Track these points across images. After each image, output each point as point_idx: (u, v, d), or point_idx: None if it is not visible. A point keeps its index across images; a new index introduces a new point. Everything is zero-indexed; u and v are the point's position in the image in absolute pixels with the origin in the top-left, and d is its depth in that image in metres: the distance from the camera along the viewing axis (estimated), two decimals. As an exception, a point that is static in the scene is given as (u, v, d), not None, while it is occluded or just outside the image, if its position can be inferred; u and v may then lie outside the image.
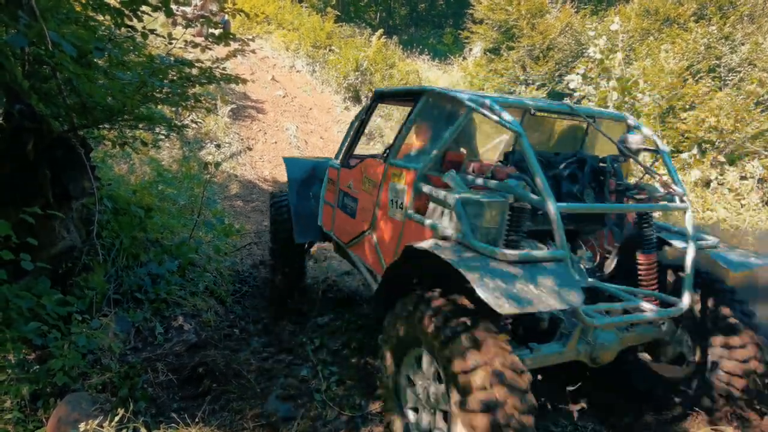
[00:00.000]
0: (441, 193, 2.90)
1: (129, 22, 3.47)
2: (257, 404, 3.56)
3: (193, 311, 4.68)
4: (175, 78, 4.51)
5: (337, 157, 4.83)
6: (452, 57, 22.82)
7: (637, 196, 3.31)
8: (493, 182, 2.88)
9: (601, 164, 3.43)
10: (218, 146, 11.17)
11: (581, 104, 6.75)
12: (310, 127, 16.60)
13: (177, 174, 9.09)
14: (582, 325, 2.76)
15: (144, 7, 3.43)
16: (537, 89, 15.53)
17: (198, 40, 4.84)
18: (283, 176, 13.09)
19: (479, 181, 2.97)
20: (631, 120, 3.73)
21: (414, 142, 3.71)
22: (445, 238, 2.76)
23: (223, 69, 4.76)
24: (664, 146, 3.42)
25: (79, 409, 3.04)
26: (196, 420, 3.24)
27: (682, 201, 3.19)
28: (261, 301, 5.69)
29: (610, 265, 3.53)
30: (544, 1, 16.58)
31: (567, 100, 7.15)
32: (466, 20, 20.25)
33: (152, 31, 3.67)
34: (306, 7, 27.00)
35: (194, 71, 4.58)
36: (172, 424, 3.17)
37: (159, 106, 4.77)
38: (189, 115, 13.97)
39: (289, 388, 3.82)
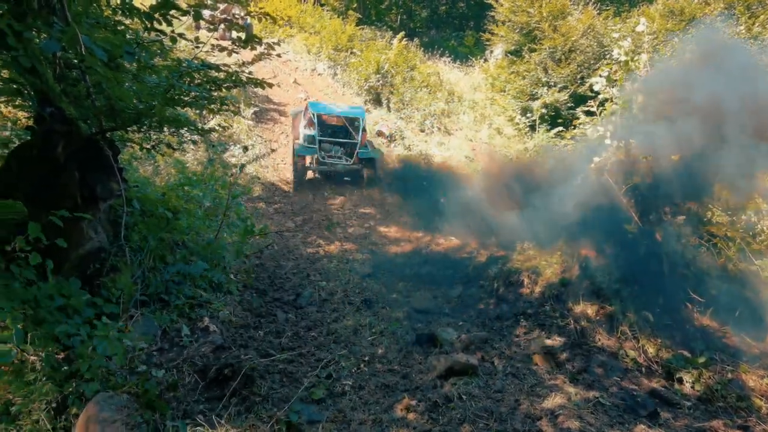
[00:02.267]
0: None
1: (158, 26, 3.50)
2: (282, 406, 3.55)
3: (217, 313, 4.70)
4: (201, 81, 4.54)
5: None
6: (473, 59, 22.68)
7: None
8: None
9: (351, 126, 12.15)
10: (245, 149, 11.27)
11: (605, 107, 6.63)
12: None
13: (202, 176, 9.17)
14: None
15: (173, 11, 3.45)
16: (559, 91, 15.31)
17: (224, 43, 4.87)
18: (303, 179, 13.16)
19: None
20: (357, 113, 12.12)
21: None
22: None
23: (249, 73, 4.78)
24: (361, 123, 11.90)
25: (108, 409, 3.06)
26: (222, 422, 3.24)
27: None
28: (285, 306, 5.69)
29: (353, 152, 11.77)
30: (566, 2, 16.31)
31: (591, 103, 7.03)
32: (487, 22, 20.08)
33: (181, 35, 3.70)
34: (327, 10, 27.11)
35: (220, 75, 4.60)
36: (198, 427, 3.17)
37: (185, 109, 4.79)
38: (212, 118, 14.18)
39: (314, 391, 3.80)
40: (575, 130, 7.42)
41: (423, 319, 5.60)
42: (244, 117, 14.94)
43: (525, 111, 16.33)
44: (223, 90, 4.95)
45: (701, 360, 4.49)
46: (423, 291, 6.45)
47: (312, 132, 11.79)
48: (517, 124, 16.28)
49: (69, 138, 4.18)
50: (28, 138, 4.53)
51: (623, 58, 6.59)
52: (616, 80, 6.61)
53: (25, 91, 3.75)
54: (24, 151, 4.34)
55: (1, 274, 3.70)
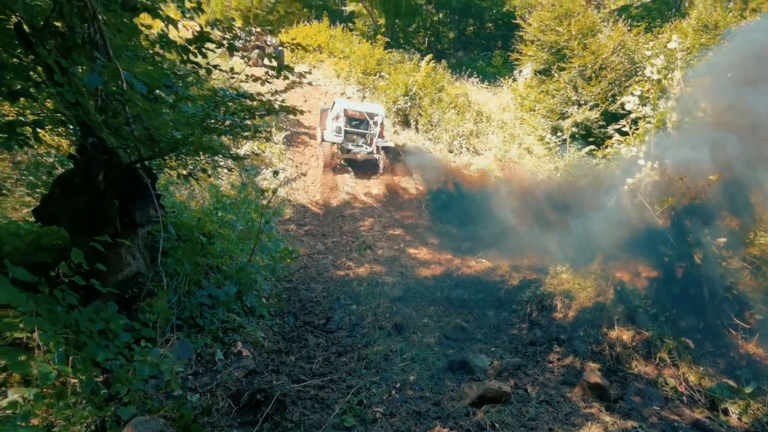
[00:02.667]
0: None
1: (194, 59, 3.63)
2: (313, 433, 3.53)
3: (250, 337, 4.74)
4: (236, 110, 4.68)
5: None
6: (501, 79, 22.67)
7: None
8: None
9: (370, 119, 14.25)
10: (276, 173, 11.59)
11: (638, 125, 6.49)
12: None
13: (235, 200, 9.38)
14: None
15: (208, 44, 3.57)
16: (590, 110, 15.12)
17: (257, 72, 4.99)
18: (332, 200, 13.30)
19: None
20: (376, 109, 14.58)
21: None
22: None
23: (282, 101, 4.89)
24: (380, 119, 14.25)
25: (144, 433, 3.10)
26: (254, 449, 3.24)
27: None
28: (315, 330, 5.70)
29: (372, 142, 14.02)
30: (595, 20, 16.21)
31: (623, 122, 6.91)
32: (516, 42, 20.11)
33: (216, 67, 3.82)
34: (356, 35, 27.66)
35: (254, 103, 4.72)
36: (231, 453, 3.18)
37: (220, 136, 4.93)
38: (246, 144, 14.54)
39: (345, 418, 3.77)
40: (607, 150, 7.26)
41: (455, 344, 5.52)
42: (275, 141, 15.24)
43: (555, 130, 16.17)
44: (257, 118, 5.08)
45: (748, 390, 4.27)
46: (454, 315, 6.36)
47: (339, 123, 13.94)
48: (548, 143, 16.11)
49: (109, 166, 4.36)
50: (71, 165, 4.72)
51: (656, 76, 6.47)
52: (648, 99, 6.48)
53: (69, 122, 3.92)
54: (67, 178, 4.54)
55: (46, 298, 3.83)
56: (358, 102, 16.85)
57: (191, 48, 3.49)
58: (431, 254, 9.62)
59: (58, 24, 3.63)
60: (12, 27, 3.42)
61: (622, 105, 7.16)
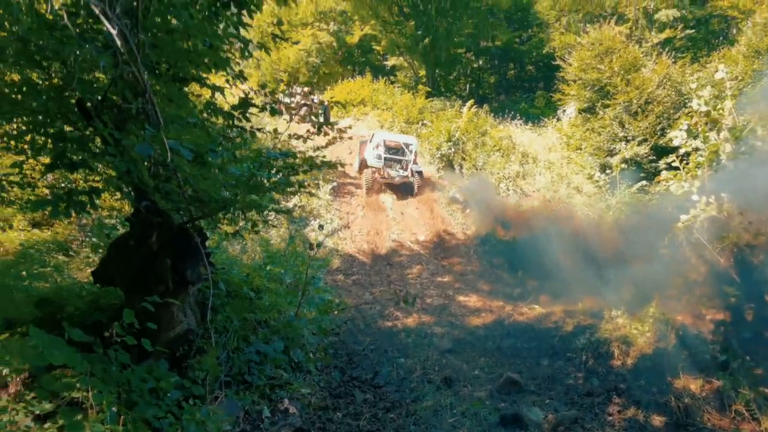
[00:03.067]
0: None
1: (239, 123, 3.81)
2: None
3: (297, 394, 4.70)
4: (280, 168, 4.84)
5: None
6: (545, 119, 22.52)
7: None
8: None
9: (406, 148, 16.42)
10: (321, 227, 11.74)
11: (689, 160, 6.20)
12: (405, 199, 16.96)
13: (284, 253, 9.57)
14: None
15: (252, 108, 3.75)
16: (638, 145, 14.68)
17: (302, 128, 5.15)
18: (380, 249, 13.33)
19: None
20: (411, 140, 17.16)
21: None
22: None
23: (323, 157, 5.02)
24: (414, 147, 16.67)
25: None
26: None
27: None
28: (363, 386, 5.58)
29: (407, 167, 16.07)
30: (637, 55, 15.99)
31: (672, 157, 6.63)
32: (558, 82, 20.08)
33: (259, 129, 4.00)
34: (398, 87, 28.47)
35: (297, 160, 4.88)
36: None
37: (265, 195, 5.09)
38: (293, 197, 14.98)
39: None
40: (658, 186, 6.94)
41: (507, 397, 5.24)
42: (321, 194, 15.60)
43: (604, 167, 15.75)
44: (301, 174, 5.23)
45: None
46: (506, 366, 6.09)
47: (379, 151, 16.27)
48: (597, 181, 15.68)
49: (162, 228, 4.56)
50: (128, 226, 4.97)
51: (704, 108, 6.23)
52: (698, 132, 6.22)
53: (124, 187, 4.16)
54: (123, 241, 4.78)
55: (100, 358, 3.96)
56: (396, 134, 18.89)
57: (235, 113, 3.68)
58: (482, 301, 9.36)
59: (115, 98, 3.94)
60: (74, 102, 3.73)
61: (672, 141, 6.89)
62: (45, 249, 9.44)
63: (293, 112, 23.50)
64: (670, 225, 5.81)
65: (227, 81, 4.08)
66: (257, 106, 3.78)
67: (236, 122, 3.85)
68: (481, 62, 35.35)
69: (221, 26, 3.91)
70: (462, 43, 29.55)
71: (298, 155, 4.83)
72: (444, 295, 9.83)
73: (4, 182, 4.95)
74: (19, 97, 3.72)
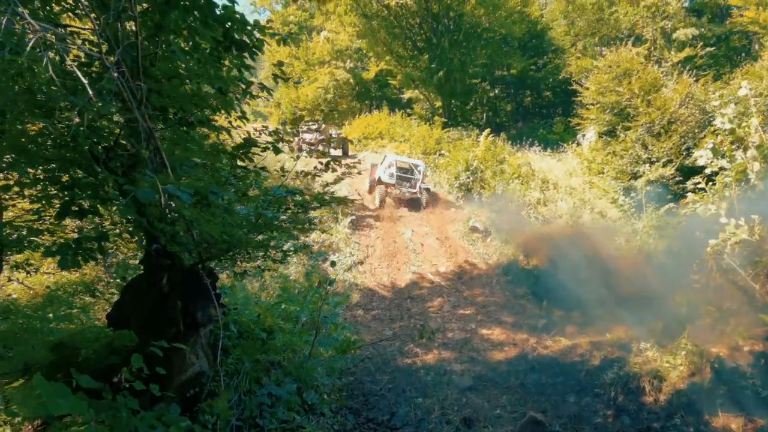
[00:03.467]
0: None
1: (241, 163, 3.82)
2: None
3: (310, 438, 4.54)
4: (290, 206, 4.82)
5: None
6: (564, 145, 22.31)
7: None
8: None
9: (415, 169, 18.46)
10: (333, 263, 11.65)
11: (716, 180, 5.95)
12: (425, 230, 16.81)
13: (301, 289, 9.51)
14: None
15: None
16: (663, 166, 14.34)
17: (311, 164, 5.14)
18: (400, 282, 13.16)
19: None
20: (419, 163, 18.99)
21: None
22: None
23: (332, 193, 4.99)
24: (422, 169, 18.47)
25: None
26: None
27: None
28: (379, 428, 5.38)
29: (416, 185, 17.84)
30: (657, 75, 15.80)
31: (698, 178, 6.39)
32: (576, 106, 19.95)
33: (263, 169, 3.99)
34: (415, 118, 28.75)
35: (306, 198, 4.85)
36: None
37: (273, 234, 5.06)
38: (310, 235, 15.01)
39: None
40: (684, 209, 6.69)
41: (533, 438, 4.97)
42: (340, 228, 15.60)
43: (628, 191, 15.40)
44: (312, 211, 5.20)
45: None
46: (530, 404, 5.80)
47: (392, 170, 18.17)
48: (621, 205, 15.31)
49: (172, 270, 4.56)
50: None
51: (728, 125, 6.02)
52: (723, 151, 6.00)
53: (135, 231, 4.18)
54: (135, 284, 4.79)
55: (109, 404, 3.90)
56: (406, 157, 20.83)
57: (238, 154, 3.69)
58: (505, 334, 9.07)
59: (125, 143, 4.00)
60: (86, 149, 3.79)
61: (696, 161, 6.65)
62: (72, 291, 9.61)
63: (312, 147, 23.91)
64: (699, 250, 5.53)
65: (230, 122, 4.11)
66: (259, 146, 3.79)
67: (239, 162, 3.85)
68: (497, 91, 35.54)
69: (225, 69, 3.97)
70: (477, 73, 29.81)
71: (307, 192, 4.82)
72: (466, 329, 9.57)
73: (25, 229, 5.05)
74: (34, 147, 3.82)
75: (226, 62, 3.97)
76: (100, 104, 3.10)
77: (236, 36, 3.73)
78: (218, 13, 3.64)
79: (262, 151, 3.85)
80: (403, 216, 17.81)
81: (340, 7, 27.82)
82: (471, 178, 19.02)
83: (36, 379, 3.42)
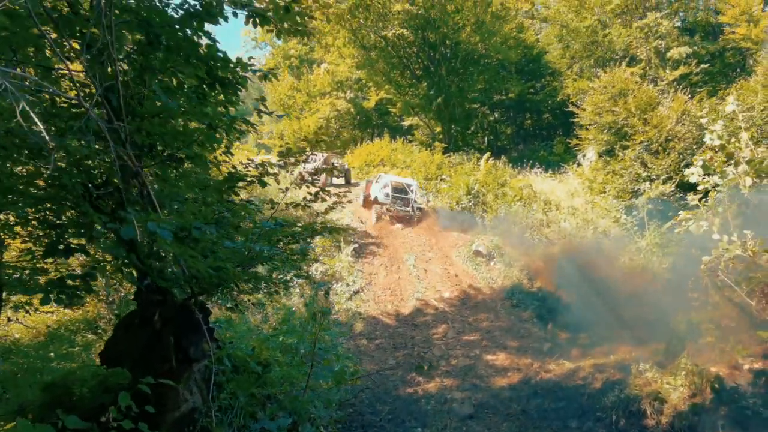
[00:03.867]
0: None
1: (234, 197, 3.86)
2: None
3: (304, 474, 4.45)
4: (280, 237, 4.84)
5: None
6: (565, 165, 22.37)
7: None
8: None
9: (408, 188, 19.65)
10: (327, 293, 11.63)
11: (709, 197, 5.94)
12: (428, 255, 16.76)
13: (301, 320, 9.45)
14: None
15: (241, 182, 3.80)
16: (663, 183, 14.32)
17: (301, 195, 5.18)
18: (404, 309, 13.06)
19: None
20: (412, 182, 20.31)
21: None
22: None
23: (323, 223, 5.01)
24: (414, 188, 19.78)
25: None
26: None
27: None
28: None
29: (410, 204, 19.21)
30: (652, 94, 15.91)
31: (691, 196, 6.37)
32: (576, 128, 20.10)
33: (249, 202, 4.04)
34: (416, 145, 29.00)
35: (297, 228, 4.87)
36: None
37: (276, 264, 5.06)
38: (313, 264, 15.00)
39: None
40: (677, 228, 6.59)
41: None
42: (343, 256, 15.58)
43: (630, 209, 15.35)
44: (306, 241, 5.21)
45: None
46: (531, 430, 5.67)
47: (387, 190, 19.44)
48: (624, 224, 15.24)
49: (164, 306, 4.56)
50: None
51: (717, 142, 6.03)
52: (714, 167, 5.99)
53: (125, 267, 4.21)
54: (128, 320, 4.79)
55: (98, 446, 3.86)
56: (400, 176, 21.84)
57: (223, 188, 3.73)
58: (509, 359, 8.94)
59: (116, 180, 4.06)
60: (76, 187, 3.86)
61: (688, 179, 6.65)
62: (74, 329, 9.60)
63: (314, 176, 24.07)
64: (696, 267, 5.47)
65: (215, 157, 4.18)
66: (245, 179, 3.84)
67: (225, 196, 3.90)
68: (497, 114, 35.88)
69: (210, 106, 4.05)
70: (475, 98, 30.19)
71: (308, 219, 4.84)
72: (470, 355, 9.43)
73: (25, 269, 5.08)
74: (23, 187, 3.88)
75: (212, 99, 4.07)
76: (83, 144, 3.17)
77: (219, 74, 3.82)
78: (201, 52, 3.74)
79: (247, 185, 3.90)
80: (405, 242, 17.80)
81: (338, 40, 28.44)
82: (473, 202, 19.06)
83: (19, 423, 3.41)
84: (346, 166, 26.91)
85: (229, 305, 5.03)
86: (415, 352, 9.86)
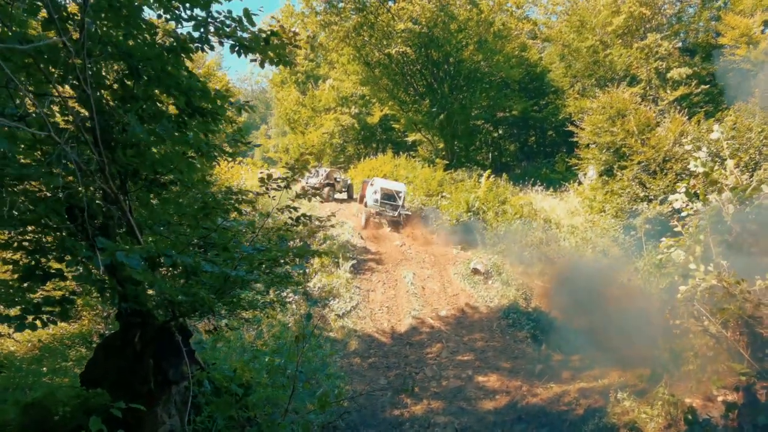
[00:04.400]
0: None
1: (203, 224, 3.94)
2: None
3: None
4: (263, 261, 4.90)
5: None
6: (566, 184, 22.37)
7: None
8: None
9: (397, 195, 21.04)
10: (309, 316, 11.69)
11: (691, 223, 5.93)
12: (426, 272, 16.76)
13: (292, 337, 9.47)
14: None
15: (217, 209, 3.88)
16: (661, 204, 14.29)
17: (316, 210, 5.24)
18: (400, 327, 13.05)
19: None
20: (401, 188, 21.55)
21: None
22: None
23: (304, 246, 5.07)
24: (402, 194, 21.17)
25: None
26: None
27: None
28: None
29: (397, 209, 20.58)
30: (650, 116, 15.94)
31: (674, 222, 6.37)
32: (577, 147, 20.16)
33: (225, 229, 4.10)
34: (419, 160, 29.12)
35: (278, 253, 4.93)
36: None
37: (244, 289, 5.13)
38: (314, 276, 15.05)
39: None
40: (659, 255, 6.51)
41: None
42: (341, 273, 15.61)
43: (628, 229, 15.32)
44: (283, 265, 5.27)
45: None
46: (512, 458, 5.65)
47: (377, 196, 20.93)
48: (622, 243, 15.20)
49: (144, 328, 4.62)
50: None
51: (701, 169, 6.05)
52: (697, 194, 6.00)
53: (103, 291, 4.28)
54: (109, 342, 4.85)
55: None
56: (389, 182, 22.98)
57: (198, 216, 3.81)
58: (500, 381, 8.90)
59: (100, 203, 4.15)
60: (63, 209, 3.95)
61: (672, 205, 6.66)
62: (69, 342, 9.64)
63: (317, 191, 24.25)
64: (670, 296, 5.48)
65: (191, 185, 4.27)
66: (223, 208, 3.92)
67: (202, 224, 3.98)
68: (501, 131, 35.98)
69: (192, 133, 4.15)
70: (479, 115, 30.33)
71: (278, 249, 4.90)
72: (461, 376, 9.40)
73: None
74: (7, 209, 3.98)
75: (194, 127, 4.17)
76: (59, 173, 3.26)
77: (199, 104, 3.93)
78: (182, 83, 3.85)
79: (223, 213, 3.98)
80: (404, 258, 17.82)
81: (343, 57, 28.78)
82: (473, 219, 19.07)
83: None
84: (349, 181, 27.05)
85: (207, 329, 5.08)
86: (407, 372, 9.85)
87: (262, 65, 4.64)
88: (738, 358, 4.55)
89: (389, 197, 21.20)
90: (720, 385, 4.54)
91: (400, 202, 20.93)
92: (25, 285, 3.71)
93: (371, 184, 21.89)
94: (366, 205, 21.38)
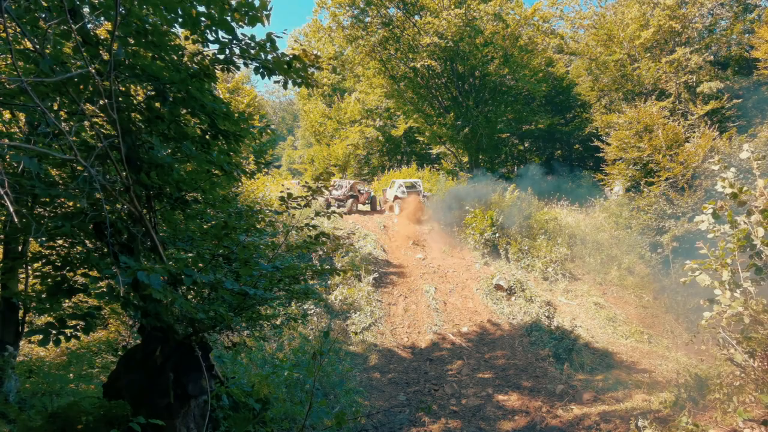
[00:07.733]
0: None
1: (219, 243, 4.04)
2: None
3: None
4: (281, 278, 4.99)
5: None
6: (592, 199, 22.00)
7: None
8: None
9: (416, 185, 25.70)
10: (326, 334, 11.72)
11: (718, 245, 5.72)
12: (448, 287, 16.66)
13: (311, 352, 9.52)
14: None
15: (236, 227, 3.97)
16: (689, 222, 13.93)
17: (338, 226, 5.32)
18: (420, 342, 12.98)
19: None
20: (418, 181, 26.17)
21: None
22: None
23: (323, 266, 5.14)
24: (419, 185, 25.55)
25: None
26: None
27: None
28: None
29: (420, 195, 25.09)
30: (678, 131, 15.61)
31: (701, 244, 6.17)
32: (603, 162, 19.83)
33: (245, 247, 4.19)
34: (443, 173, 29.08)
35: (298, 271, 5.01)
36: None
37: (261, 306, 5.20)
38: (335, 289, 15.12)
39: None
40: (682, 279, 6.24)
41: None
42: (363, 284, 15.63)
43: (655, 246, 14.96)
44: (302, 281, 5.34)
45: None
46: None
47: (402, 188, 24.76)
48: (649, 261, 14.85)
49: (165, 342, 4.74)
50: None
51: (728, 190, 5.87)
52: (725, 216, 5.82)
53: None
54: (130, 355, 4.98)
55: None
56: (406, 179, 27.13)
57: (221, 234, 3.91)
58: (520, 400, 8.76)
59: (126, 218, 4.30)
60: (90, 227, 4.10)
61: (698, 226, 6.47)
62: (96, 350, 9.90)
63: (341, 203, 24.44)
64: (694, 321, 5.33)
65: (213, 204, 4.38)
66: (239, 228, 4.01)
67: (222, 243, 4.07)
68: (526, 144, 35.68)
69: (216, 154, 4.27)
70: (503, 129, 30.15)
71: (297, 266, 4.97)
72: (481, 395, 9.29)
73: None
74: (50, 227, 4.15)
75: (217, 147, 4.29)
76: (83, 192, 3.40)
77: (222, 125, 4.04)
78: (207, 105, 3.98)
79: (245, 231, 4.07)
80: (426, 272, 17.74)
81: (369, 71, 29.06)
82: (497, 234, 18.90)
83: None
84: (372, 193, 27.17)
85: (227, 346, 5.16)
86: (426, 389, 9.78)
87: (285, 86, 4.75)
88: (766, 389, 4.39)
89: (410, 187, 25.60)
90: (747, 417, 4.37)
91: (420, 189, 25.27)
92: (53, 298, 3.86)
93: (390, 187, 25.99)
94: (396, 198, 25.17)
